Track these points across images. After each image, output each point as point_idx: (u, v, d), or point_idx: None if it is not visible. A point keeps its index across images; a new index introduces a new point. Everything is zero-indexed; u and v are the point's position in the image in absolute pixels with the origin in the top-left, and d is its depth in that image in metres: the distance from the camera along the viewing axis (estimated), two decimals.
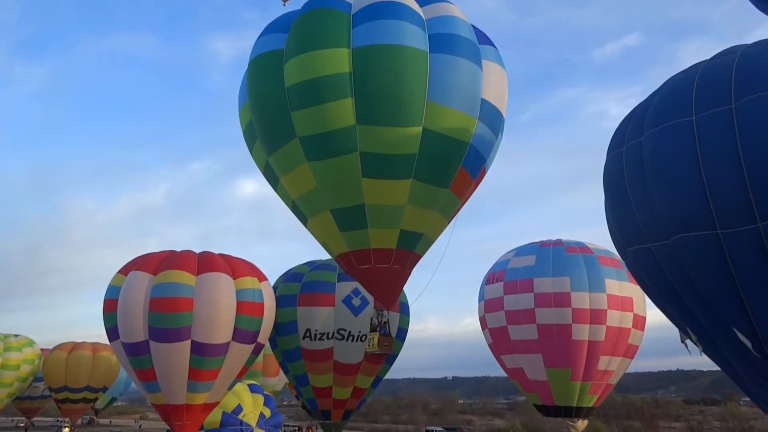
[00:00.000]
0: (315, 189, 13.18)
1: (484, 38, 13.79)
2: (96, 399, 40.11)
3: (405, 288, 20.27)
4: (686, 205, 7.51)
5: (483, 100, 13.14)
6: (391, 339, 15.91)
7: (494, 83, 13.47)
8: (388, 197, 12.94)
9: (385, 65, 12.18)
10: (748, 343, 7.51)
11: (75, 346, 37.91)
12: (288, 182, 13.67)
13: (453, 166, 13.19)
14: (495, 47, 14.02)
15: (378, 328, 15.62)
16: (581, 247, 19.80)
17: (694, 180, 7.39)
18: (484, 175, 14.55)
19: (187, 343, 15.76)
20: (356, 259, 13.81)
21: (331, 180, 12.91)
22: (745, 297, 7.33)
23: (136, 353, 16.09)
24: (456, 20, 13.11)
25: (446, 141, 12.67)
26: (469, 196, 14.59)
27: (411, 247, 13.92)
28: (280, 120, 12.77)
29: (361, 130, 12.29)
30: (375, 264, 13.65)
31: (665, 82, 8.76)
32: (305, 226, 14.66)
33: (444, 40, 12.70)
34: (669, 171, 7.67)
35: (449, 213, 14.22)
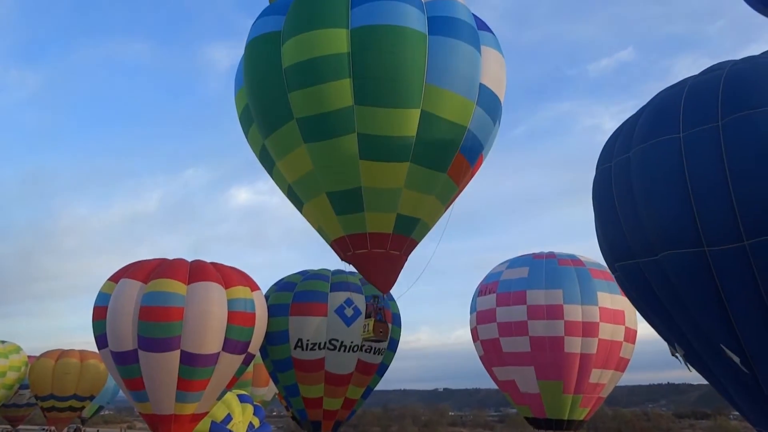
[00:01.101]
0: (311, 172, 13.04)
1: (482, 25, 13.81)
2: (83, 407, 39.51)
3: (395, 295, 20.26)
4: (673, 221, 7.56)
5: (481, 85, 13.09)
6: (386, 325, 15.36)
7: (493, 69, 13.44)
8: (386, 180, 12.84)
9: (383, 46, 12.14)
10: (737, 359, 7.54)
11: (62, 354, 37.38)
12: (284, 166, 13.53)
13: (451, 150, 13.11)
14: (493, 34, 14.00)
15: (373, 315, 15.22)
16: (573, 260, 19.88)
17: (681, 197, 7.45)
18: (481, 162, 14.51)
19: (177, 353, 15.57)
20: (352, 244, 13.66)
21: (328, 162, 12.80)
22: (732, 314, 7.38)
23: (125, 362, 15.90)
24: (455, 4, 13.13)
25: (444, 124, 12.63)
26: (466, 184, 14.55)
27: (408, 233, 13.80)
28: (277, 101, 12.67)
29: (359, 111, 12.20)
30: (371, 249, 13.50)
31: (654, 97, 8.85)
32: (300, 211, 14.51)
33: (443, 22, 12.69)
34: (656, 187, 7.73)
35: (446, 199, 14.15)
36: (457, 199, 14.60)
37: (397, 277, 14.44)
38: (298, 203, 14.26)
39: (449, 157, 13.14)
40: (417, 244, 14.36)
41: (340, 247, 14.07)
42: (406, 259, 14.36)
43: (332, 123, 12.29)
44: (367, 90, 12.11)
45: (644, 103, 8.96)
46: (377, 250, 13.51)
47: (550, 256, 20.22)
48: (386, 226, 13.40)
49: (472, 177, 14.59)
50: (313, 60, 12.11)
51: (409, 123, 12.33)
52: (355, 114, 12.19)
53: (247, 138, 14.41)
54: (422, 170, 12.87)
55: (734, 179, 7.08)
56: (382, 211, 13.21)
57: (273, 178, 14.48)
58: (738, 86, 7.58)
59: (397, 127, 12.30)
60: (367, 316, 15.44)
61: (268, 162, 14.07)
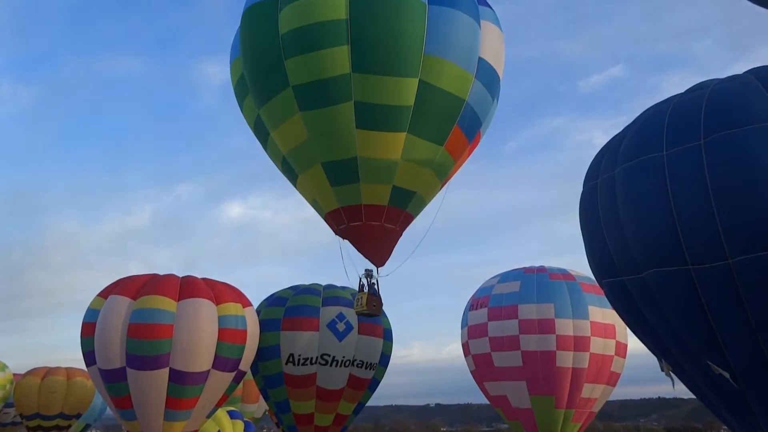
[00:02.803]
0: (307, 141, 12.83)
1: (482, 0, 13.80)
2: (69, 426, 38.69)
3: (388, 313, 20.20)
4: (657, 240, 7.64)
5: (480, 59, 13.00)
6: (379, 299, 14.76)
7: (492, 43, 13.38)
8: (382, 150, 12.66)
9: (382, 13, 12.05)
10: (727, 375, 7.57)
11: (49, 372, 36.68)
12: (279, 135, 13.32)
13: (448, 123, 12.98)
14: (493, 10, 13.98)
15: (368, 289, 14.93)
16: (564, 274, 19.93)
17: (665, 215, 7.52)
18: (479, 140, 14.42)
19: (165, 371, 15.34)
20: (347, 216, 13.48)
21: (324, 131, 12.62)
22: (718, 332, 7.42)
23: (113, 380, 15.66)
24: None
25: (442, 95, 12.50)
26: (463, 161, 14.44)
27: (403, 206, 13.63)
28: (273, 69, 12.51)
29: (356, 79, 12.06)
30: (366, 221, 13.30)
31: (639, 116, 8.99)
32: (295, 185, 14.32)
33: None
34: (640, 206, 7.83)
35: (443, 175, 14.01)
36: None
37: (392, 251, 14.17)
38: (293, 176, 14.01)
39: (447, 130, 12.98)
40: (413, 219, 14.14)
41: (334, 219, 13.84)
42: (401, 234, 14.14)
43: (328, 90, 12.13)
44: (364, 57, 11.97)
45: (634, 118, 9.10)
46: (372, 223, 13.31)
47: (541, 270, 20.27)
48: (381, 198, 13.20)
49: (469, 154, 14.46)
50: (311, 26, 11.98)
51: (406, 92, 12.18)
52: (352, 81, 12.03)
53: (241, 109, 14.24)
54: (419, 141, 12.71)
55: (717, 198, 7.17)
56: (378, 182, 13.00)
57: (267, 151, 14.26)
58: (720, 105, 7.73)
59: (394, 96, 12.15)
60: (360, 290, 14.95)
61: (262, 133, 13.84)
